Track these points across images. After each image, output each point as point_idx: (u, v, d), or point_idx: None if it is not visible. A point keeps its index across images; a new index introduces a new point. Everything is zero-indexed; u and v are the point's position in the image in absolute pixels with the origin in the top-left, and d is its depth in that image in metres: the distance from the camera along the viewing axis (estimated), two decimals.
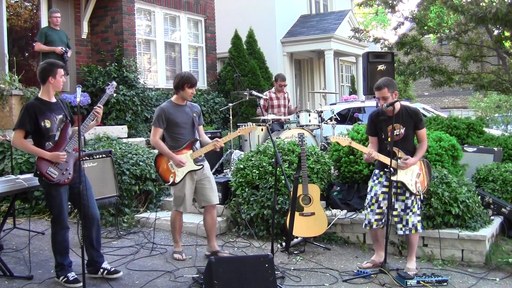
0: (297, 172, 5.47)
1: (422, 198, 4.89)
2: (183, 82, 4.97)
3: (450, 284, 4.60)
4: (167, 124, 4.98)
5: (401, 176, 4.68)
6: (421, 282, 4.51)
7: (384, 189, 4.77)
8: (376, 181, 4.84)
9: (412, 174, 4.72)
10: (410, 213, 4.77)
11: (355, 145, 4.91)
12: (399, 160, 4.66)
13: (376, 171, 4.88)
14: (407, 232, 4.79)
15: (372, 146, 4.88)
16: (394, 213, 4.77)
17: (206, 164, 5.21)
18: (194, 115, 5.10)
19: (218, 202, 5.33)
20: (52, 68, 4.29)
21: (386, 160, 4.67)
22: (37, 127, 4.22)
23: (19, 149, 4.31)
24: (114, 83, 4.64)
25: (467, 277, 4.83)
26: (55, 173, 4.22)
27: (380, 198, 4.79)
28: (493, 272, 4.96)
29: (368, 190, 4.90)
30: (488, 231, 5.35)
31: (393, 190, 4.69)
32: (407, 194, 4.75)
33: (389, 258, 4.92)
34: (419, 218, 4.83)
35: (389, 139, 4.71)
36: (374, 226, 4.84)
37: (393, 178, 4.63)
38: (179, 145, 5.02)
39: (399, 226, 4.80)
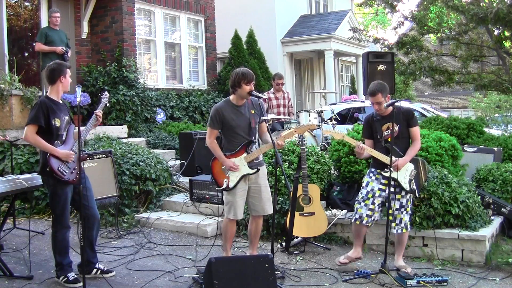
0: (297, 172, 5.46)
1: (417, 196, 4.96)
2: (238, 79, 4.51)
3: (450, 284, 4.60)
4: (223, 126, 4.62)
5: (395, 173, 4.73)
6: (421, 282, 4.51)
7: (381, 186, 4.82)
8: (373, 177, 4.88)
9: (406, 172, 4.76)
10: (404, 212, 4.82)
11: (348, 139, 4.97)
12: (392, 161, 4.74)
13: (373, 169, 4.93)
14: (399, 231, 4.83)
15: None
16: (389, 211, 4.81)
17: (263, 170, 4.79)
18: (253, 112, 4.66)
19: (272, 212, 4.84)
20: (62, 68, 4.40)
21: (378, 155, 4.75)
22: (48, 125, 4.26)
23: (32, 145, 4.27)
24: (107, 92, 4.72)
25: (467, 277, 4.83)
26: (65, 171, 4.28)
27: (376, 194, 4.84)
28: (493, 272, 4.95)
29: (364, 185, 4.94)
30: (488, 231, 5.35)
31: (391, 189, 4.74)
32: (403, 193, 4.80)
33: (389, 258, 4.92)
34: (410, 217, 4.93)
35: (389, 139, 4.77)
36: (364, 222, 4.84)
37: (388, 174, 4.69)
38: (234, 148, 4.64)
39: (393, 224, 4.82)
